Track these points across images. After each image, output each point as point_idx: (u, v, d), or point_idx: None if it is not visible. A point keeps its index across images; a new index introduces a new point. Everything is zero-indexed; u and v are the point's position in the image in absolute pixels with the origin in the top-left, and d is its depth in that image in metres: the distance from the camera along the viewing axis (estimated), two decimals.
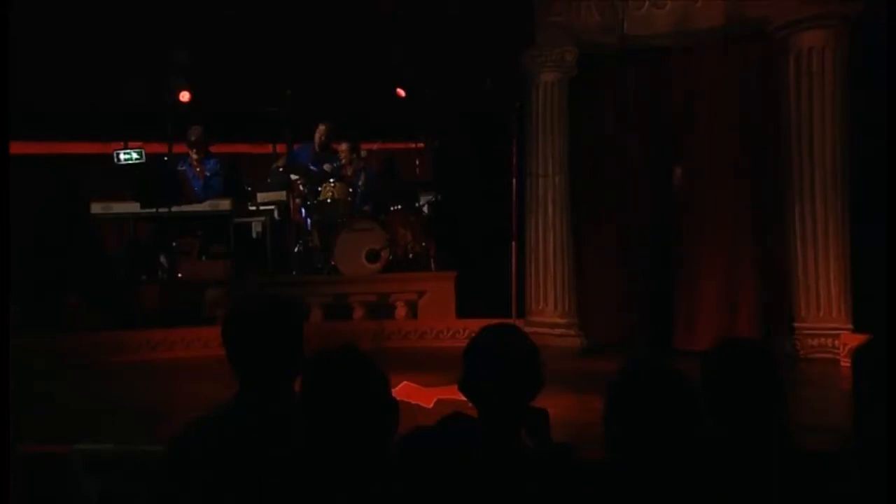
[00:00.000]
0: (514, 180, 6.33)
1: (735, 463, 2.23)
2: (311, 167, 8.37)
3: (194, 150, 8.17)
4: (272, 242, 7.97)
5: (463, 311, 7.58)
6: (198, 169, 8.15)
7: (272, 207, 8.19)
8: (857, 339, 5.74)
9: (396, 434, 2.19)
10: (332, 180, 8.07)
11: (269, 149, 8.54)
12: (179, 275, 7.81)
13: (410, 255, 8.16)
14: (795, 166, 6.38)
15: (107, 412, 4.99)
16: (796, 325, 6.39)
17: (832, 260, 6.28)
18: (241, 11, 8.06)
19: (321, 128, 8.58)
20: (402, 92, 8.89)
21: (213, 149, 8.49)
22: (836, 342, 6.18)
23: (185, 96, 8.39)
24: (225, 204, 7.88)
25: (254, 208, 8.22)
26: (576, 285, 7.12)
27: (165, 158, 8.02)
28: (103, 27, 7.93)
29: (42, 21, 7.29)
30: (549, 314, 7.14)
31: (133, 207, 7.70)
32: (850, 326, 6.23)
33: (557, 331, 6.97)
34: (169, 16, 7.95)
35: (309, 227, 8.27)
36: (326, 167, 8.33)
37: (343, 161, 8.49)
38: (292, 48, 8.21)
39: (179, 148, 8.28)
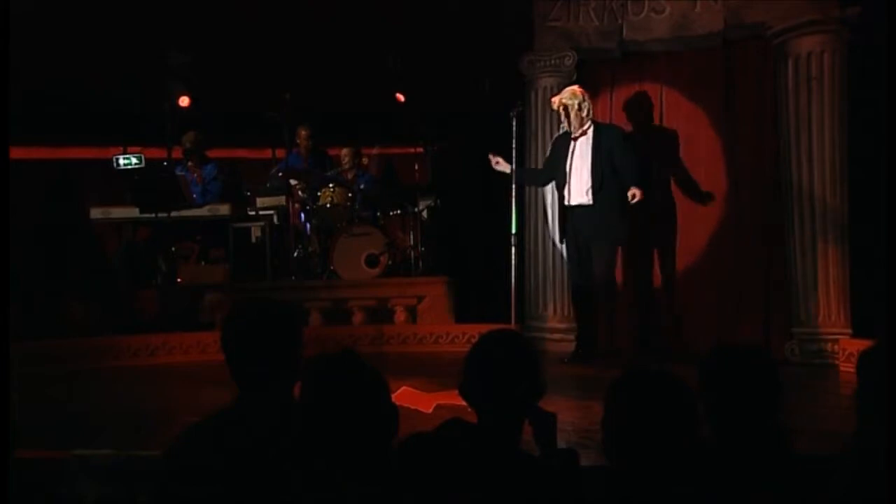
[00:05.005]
0: (513, 185, 6.33)
1: (733, 467, 2.23)
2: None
3: (190, 156, 8.18)
4: (271, 247, 7.97)
5: (462, 316, 7.58)
6: (195, 174, 8.16)
7: (271, 212, 8.20)
8: (856, 345, 5.75)
9: (396, 439, 2.19)
10: (331, 185, 8.09)
11: (268, 153, 8.54)
12: (178, 279, 7.80)
13: (410, 260, 8.17)
14: (794, 170, 6.38)
15: (105, 417, 4.98)
16: (795, 329, 6.38)
17: (831, 264, 6.27)
18: (241, 15, 8.07)
19: (302, 132, 8.59)
20: (401, 97, 8.90)
21: (213, 153, 8.50)
22: (836, 347, 6.18)
23: (184, 101, 8.39)
24: (224, 209, 7.90)
25: (253, 213, 8.22)
26: None
27: (165, 163, 8.02)
28: (102, 31, 7.94)
29: (41, 24, 7.30)
30: (548, 319, 7.14)
31: (132, 212, 7.72)
32: (850, 331, 6.22)
33: (556, 336, 6.96)
34: (168, 20, 7.96)
35: (308, 232, 8.28)
36: (330, 174, 8.38)
37: (345, 166, 8.51)
38: (292, 52, 8.22)
39: (179, 153, 8.28)
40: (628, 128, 6.87)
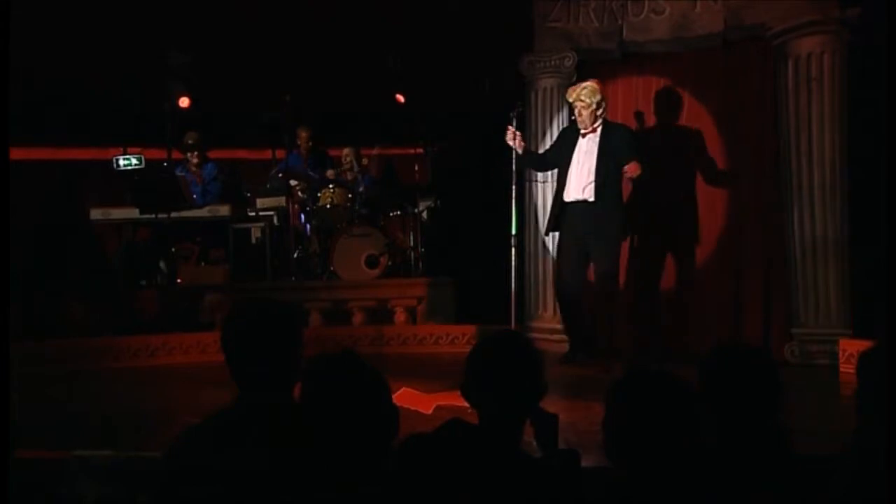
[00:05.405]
0: (513, 186, 6.32)
1: (734, 467, 2.23)
2: (311, 173, 8.40)
3: (192, 155, 8.19)
4: (271, 248, 7.97)
5: (462, 317, 7.58)
6: (196, 175, 8.17)
7: (271, 213, 8.21)
8: (856, 345, 5.74)
9: (396, 439, 2.19)
10: (331, 186, 8.09)
11: (268, 154, 8.55)
12: (178, 280, 7.81)
13: (410, 261, 8.17)
14: (794, 171, 6.38)
15: (105, 418, 4.98)
16: (795, 330, 6.38)
17: (831, 264, 6.27)
18: (241, 15, 8.08)
19: (303, 134, 8.62)
20: (401, 97, 8.90)
21: (213, 153, 8.51)
22: (836, 347, 6.17)
23: (184, 102, 8.39)
24: (224, 209, 7.90)
25: (253, 214, 8.23)
26: None
27: (165, 164, 8.03)
28: (102, 31, 7.94)
29: (41, 25, 7.30)
30: (547, 320, 7.14)
31: (132, 213, 7.72)
32: (850, 331, 6.22)
33: (556, 336, 6.96)
34: (168, 20, 7.96)
35: (308, 233, 8.28)
36: (329, 173, 8.37)
37: (346, 166, 8.52)
38: (292, 53, 8.22)
39: (179, 153, 8.29)
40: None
